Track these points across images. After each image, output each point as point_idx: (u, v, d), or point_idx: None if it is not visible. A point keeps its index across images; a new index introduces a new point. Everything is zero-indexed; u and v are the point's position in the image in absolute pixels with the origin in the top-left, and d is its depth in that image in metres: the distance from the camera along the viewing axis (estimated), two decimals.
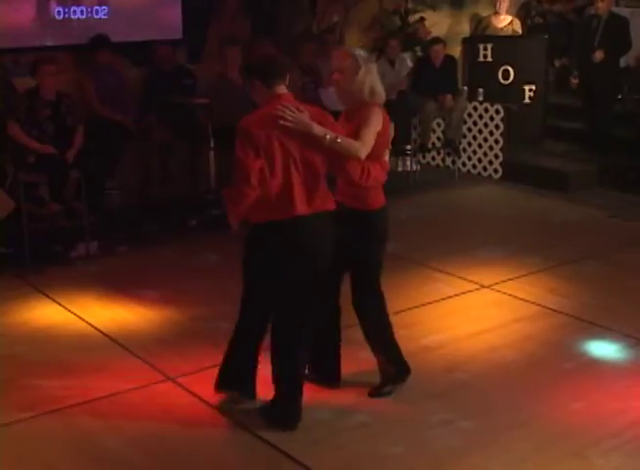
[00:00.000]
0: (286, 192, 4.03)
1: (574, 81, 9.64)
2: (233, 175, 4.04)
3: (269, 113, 4.02)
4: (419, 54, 10.14)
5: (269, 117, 4.01)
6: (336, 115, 4.39)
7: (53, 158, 6.87)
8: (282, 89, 4.13)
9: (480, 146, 9.55)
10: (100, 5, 8.23)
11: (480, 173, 9.59)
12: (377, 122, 4.24)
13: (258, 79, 4.12)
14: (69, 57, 8.09)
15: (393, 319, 4.60)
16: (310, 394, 4.47)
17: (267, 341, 4.30)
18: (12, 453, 4.04)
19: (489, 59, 9.88)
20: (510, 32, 10.62)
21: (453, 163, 9.65)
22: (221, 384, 4.44)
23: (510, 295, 6.00)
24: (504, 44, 10.10)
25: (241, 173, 3.99)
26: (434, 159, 10.02)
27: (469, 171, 9.68)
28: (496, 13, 10.68)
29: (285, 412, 4.23)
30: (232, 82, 7.88)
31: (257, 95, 4.17)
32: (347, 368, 4.63)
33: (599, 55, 9.16)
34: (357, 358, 4.71)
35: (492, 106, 9.39)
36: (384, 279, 4.49)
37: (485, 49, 9.89)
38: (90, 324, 5.50)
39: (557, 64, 10.94)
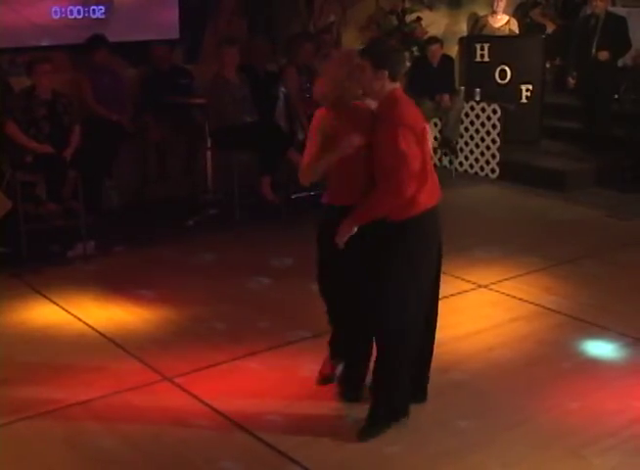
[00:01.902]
0: (431, 184, 4.05)
1: (572, 81, 9.64)
2: (393, 170, 3.91)
3: (412, 109, 4.03)
4: (416, 53, 10.14)
5: (416, 113, 4.04)
6: None
7: (51, 157, 6.86)
8: (400, 82, 4.08)
9: (477, 146, 9.56)
10: (97, 5, 8.23)
11: (476, 173, 9.60)
12: None
13: (388, 71, 3.96)
14: (66, 57, 8.08)
15: None
16: (308, 393, 4.49)
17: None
18: (9, 454, 4.04)
19: (486, 59, 9.91)
20: (507, 32, 10.62)
21: (450, 162, 9.67)
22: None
23: (507, 294, 6.01)
24: (501, 44, 10.12)
25: (406, 167, 3.90)
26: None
27: (466, 171, 9.68)
28: (493, 12, 10.67)
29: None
30: (229, 82, 7.87)
31: (374, 84, 4.00)
32: None
33: (603, 55, 9.13)
34: None
35: (489, 105, 9.40)
36: None
37: (482, 49, 9.92)
38: (87, 324, 5.49)
39: (547, 65, 10.91)
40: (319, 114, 4.20)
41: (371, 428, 4.17)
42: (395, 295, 4.03)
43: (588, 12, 9.75)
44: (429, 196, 4.06)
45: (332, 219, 4.12)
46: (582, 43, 9.39)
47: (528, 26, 11.14)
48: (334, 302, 4.37)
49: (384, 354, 4.17)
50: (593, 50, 9.24)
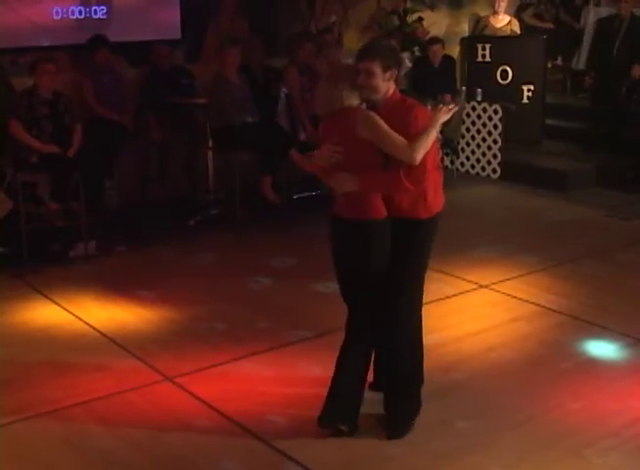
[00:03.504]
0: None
1: (589, 81, 9.61)
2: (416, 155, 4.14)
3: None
4: (417, 54, 10.15)
5: None
6: None
7: (56, 157, 6.86)
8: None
9: (478, 146, 9.56)
10: (98, 5, 8.23)
11: (478, 173, 9.60)
12: None
13: (398, 70, 4.10)
14: (67, 57, 8.09)
15: None
16: (308, 393, 4.49)
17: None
18: (9, 454, 4.04)
19: (488, 59, 9.91)
20: (508, 32, 10.63)
21: (452, 162, 9.66)
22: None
23: (508, 294, 6.00)
24: (502, 44, 10.13)
25: (424, 150, 4.15)
26: None
27: (467, 171, 9.68)
28: (495, 13, 10.68)
29: None
30: (229, 82, 7.87)
31: (385, 83, 4.04)
32: None
33: (638, 71, 9.06)
34: None
35: (491, 106, 9.40)
36: None
37: (484, 49, 9.92)
38: (88, 324, 5.50)
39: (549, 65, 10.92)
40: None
41: (404, 426, 4.19)
42: (419, 288, 4.34)
43: (613, 12, 9.66)
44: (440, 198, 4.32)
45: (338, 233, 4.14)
46: (604, 44, 9.34)
47: (524, 28, 11.14)
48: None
49: (405, 351, 4.24)
50: (614, 51, 9.21)
